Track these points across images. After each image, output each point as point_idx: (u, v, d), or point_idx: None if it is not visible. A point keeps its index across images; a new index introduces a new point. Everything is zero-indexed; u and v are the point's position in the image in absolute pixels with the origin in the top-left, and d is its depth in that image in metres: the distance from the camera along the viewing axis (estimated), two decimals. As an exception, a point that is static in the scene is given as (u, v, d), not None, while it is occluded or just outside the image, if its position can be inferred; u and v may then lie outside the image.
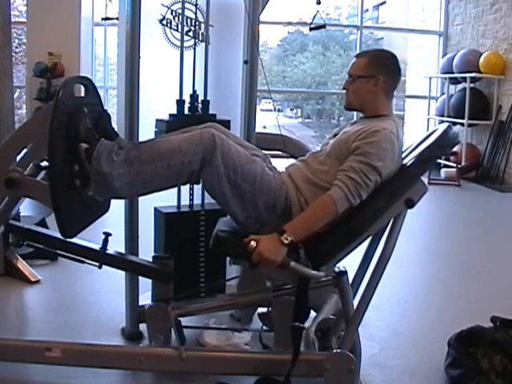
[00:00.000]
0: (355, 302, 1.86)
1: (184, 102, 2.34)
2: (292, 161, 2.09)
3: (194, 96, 2.36)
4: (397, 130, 1.86)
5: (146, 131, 2.25)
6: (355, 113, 8.56)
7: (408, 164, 1.81)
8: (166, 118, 2.32)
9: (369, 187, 1.76)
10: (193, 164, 1.77)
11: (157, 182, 1.81)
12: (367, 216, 1.77)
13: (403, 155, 1.92)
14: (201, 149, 1.76)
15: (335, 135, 1.98)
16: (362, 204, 1.76)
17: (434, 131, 1.95)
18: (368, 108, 1.96)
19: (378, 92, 1.93)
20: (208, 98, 2.40)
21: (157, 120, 2.32)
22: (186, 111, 2.35)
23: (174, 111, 2.34)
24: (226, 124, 2.31)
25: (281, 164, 2.07)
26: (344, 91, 1.99)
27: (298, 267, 1.72)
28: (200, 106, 2.37)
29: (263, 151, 2.05)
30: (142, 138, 2.21)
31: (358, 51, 8.58)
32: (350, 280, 1.88)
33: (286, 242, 1.70)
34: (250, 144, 2.11)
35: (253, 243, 1.70)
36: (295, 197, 1.85)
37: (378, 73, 1.92)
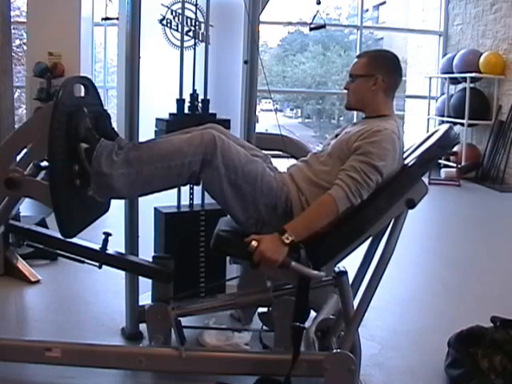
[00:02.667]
0: (355, 303, 1.86)
1: (184, 101, 2.34)
2: (292, 161, 2.08)
3: (194, 95, 2.36)
4: (398, 129, 1.86)
5: (146, 131, 2.25)
6: (355, 113, 8.60)
7: (409, 164, 1.81)
8: (166, 117, 2.32)
9: (370, 187, 1.75)
10: (193, 165, 1.77)
11: (157, 183, 1.81)
12: (368, 216, 1.76)
13: (404, 155, 1.92)
14: (201, 150, 1.76)
15: (337, 135, 1.98)
16: (362, 204, 1.76)
17: (435, 132, 1.94)
18: (368, 108, 1.96)
19: (378, 91, 1.93)
20: (208, 98, 2.40)
21: (157, 119, 2.32)
22: (186, 110, 2.35)
23: (174, 111, 2.34)
24: (226, 124, 2.31)
25: (281, 164, 2.07)
26: (344, 91, 1.99)
27: (299, 267, 1.72)
28: (200, 105, 2.37)
29: (263, 151, 2.05)
30: (142, 138, 2.21)
31: (358, 51, 8.60)
32: (350, 280, 1.88)
33: (286, 241, 1.69)
34: (250, 144, 2.10)
35: (254, 243, 1.70)
36: (296, 197, 1.85)
37: (377, 72, 1.91)
